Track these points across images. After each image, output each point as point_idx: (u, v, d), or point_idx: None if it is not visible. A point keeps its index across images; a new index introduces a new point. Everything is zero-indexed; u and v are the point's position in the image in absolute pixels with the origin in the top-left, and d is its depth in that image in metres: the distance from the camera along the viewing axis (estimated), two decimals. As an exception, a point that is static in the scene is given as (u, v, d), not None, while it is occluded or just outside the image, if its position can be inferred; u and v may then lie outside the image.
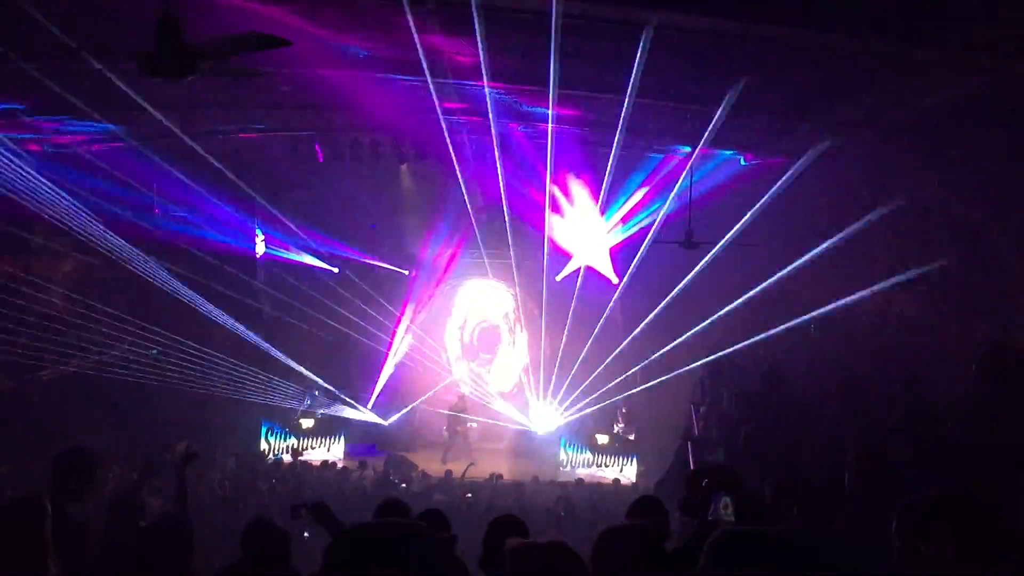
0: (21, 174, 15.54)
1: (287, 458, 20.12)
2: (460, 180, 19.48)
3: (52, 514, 4.50)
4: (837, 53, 8.20)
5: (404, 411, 22.97)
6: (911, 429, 7.50)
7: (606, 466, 20.14)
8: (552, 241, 22.34)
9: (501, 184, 18.42)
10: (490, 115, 13.80)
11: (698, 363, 17.92)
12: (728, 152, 15.46)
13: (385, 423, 22.59)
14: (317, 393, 22.99)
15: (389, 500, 5.71)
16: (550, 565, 2.93)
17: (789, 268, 18.88)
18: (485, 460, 20.22)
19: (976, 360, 8.83)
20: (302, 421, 21.68)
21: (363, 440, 22.04)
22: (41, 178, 16.06)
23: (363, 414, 22.84)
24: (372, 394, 23.35)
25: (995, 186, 12.25)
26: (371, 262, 23.52)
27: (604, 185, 17.64)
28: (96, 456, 5.82)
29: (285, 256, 22.25)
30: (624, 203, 19.85)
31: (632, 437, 21.53)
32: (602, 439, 21.32)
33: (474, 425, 23.23)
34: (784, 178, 14.06)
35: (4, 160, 15.16)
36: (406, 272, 23.85)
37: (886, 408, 8.59)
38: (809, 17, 7.22)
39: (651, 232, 16.20)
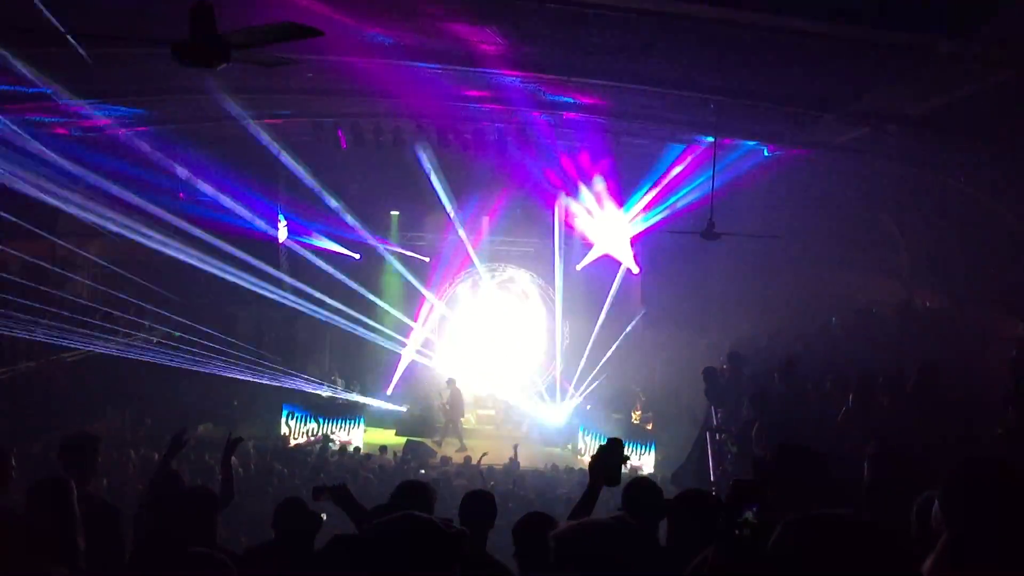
0: (48, 158, 15.68)
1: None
2: (482, 168, 19.61)
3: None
4: (862, 44, 8.17)
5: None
6: (934, 422, 7.50)
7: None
8: (573, 230, 22.38)
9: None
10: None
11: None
12: (751, 143, 15.40)
13: (403, 409, 22.70)
14: (335, 377, 23.15)
15: (408, 484, 5.72)
16: (599, 547, 2.95)
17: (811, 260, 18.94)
18: (502, 446, 20.27)
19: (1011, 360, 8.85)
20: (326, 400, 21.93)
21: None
22: (67, 162, 16.20)
23: (382, 400, 23.02)
24: (391, 380, 23.49)
25: (1019, 180, 12.19)
26: (392, 248, 23.62)
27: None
28: (96, 439, 6.13)
29: (307, 242, 22.37)
30: (646, 193, 19.83)
31: (650, 426, 21.55)
32: (620, 426, 21.37)
33: (491, 413, 23.47)
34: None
35: (31, 144, 15.30)
36: (426, 259, 23.94)
37: (907, 401, 8.57)
38: (835, 9, 7.22)
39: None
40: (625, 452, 4.67)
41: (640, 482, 5.34)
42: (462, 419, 22.37)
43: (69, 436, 5.99)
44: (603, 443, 4.68)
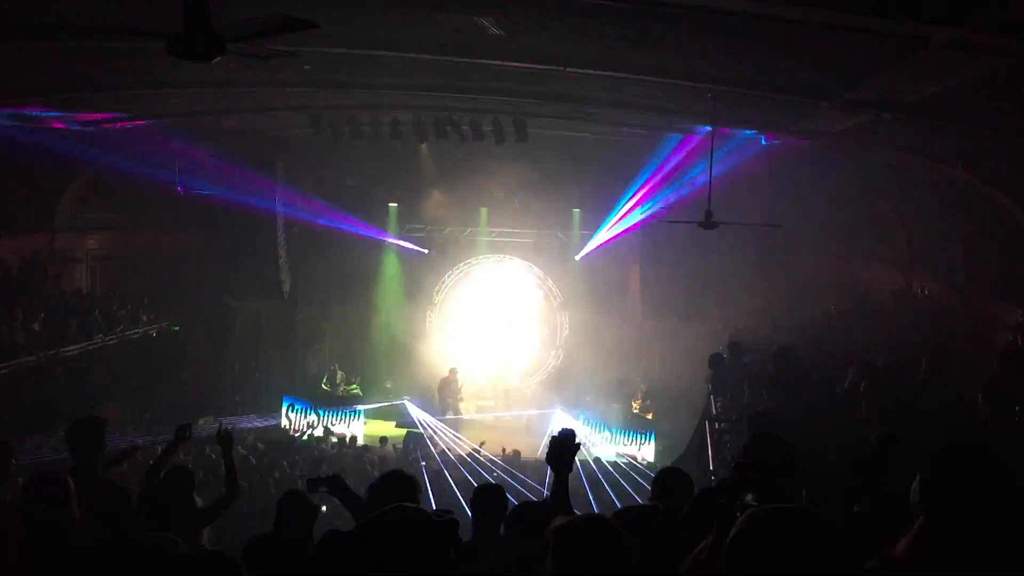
0: (46, 151, 15.68)
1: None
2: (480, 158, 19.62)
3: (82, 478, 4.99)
4: (858, 33, 8.16)
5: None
6: (935, 411, 7.49)
7: (624, 444, 20.19)
8: (572, 220, 22.40)
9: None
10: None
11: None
12: (749, 132, 15.39)
13: (403, 400, 22.71)
14: (335, 369, 23.20)
15: (392, 474, 5.74)
16: (596, 540, 2.96)
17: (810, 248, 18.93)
18: (504, 437, 20.33)
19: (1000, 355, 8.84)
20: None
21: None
22: (65, 155, 16.20)
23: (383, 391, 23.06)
24: (391, 372, 23.50)
25: (1017, 167, 12.20)
26: (391, 240, 23.63)
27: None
28: (102, 421, 6.25)
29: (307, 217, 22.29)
30: (644, 182, 19.81)
31: (651, 416, 21.58)
32: (621, 416, 21.43)
33: (490, 403, 23.45)
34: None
35: (29, 137, 15.30)
36: (425, 251, 23.94)
37: (907, 389, 8.57)
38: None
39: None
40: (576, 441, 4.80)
41: (670, 472, 5.44)
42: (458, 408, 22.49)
43: (75, 420, 6.12)
44: (555, 435, 4.78)
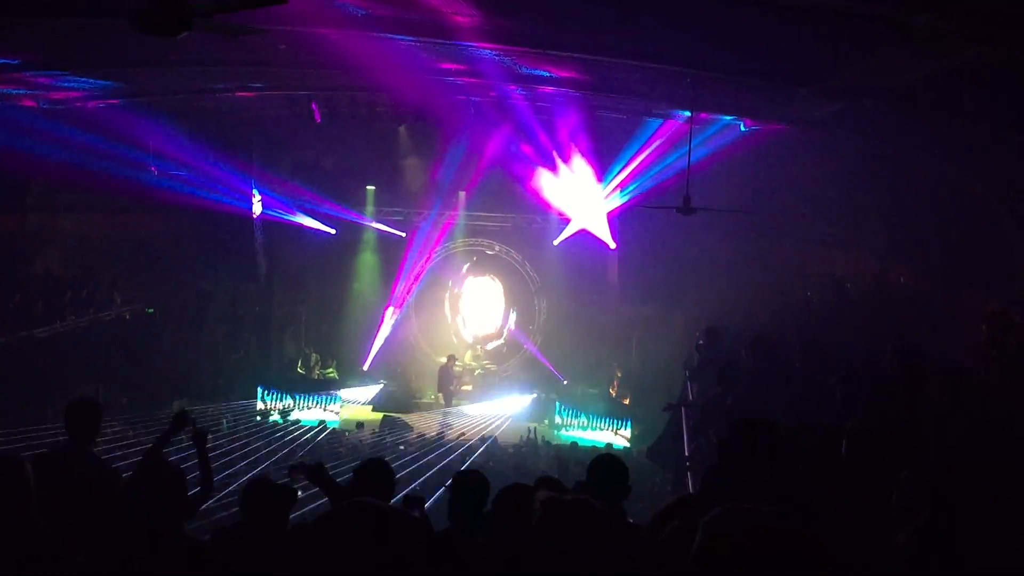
0: (16, 130, 15.44)
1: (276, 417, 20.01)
2: (458, 142, 19.55)
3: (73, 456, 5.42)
4: (837, 18, 8.12)
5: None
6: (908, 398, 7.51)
7: (600, 430, 20.18)
8: (550, 205, 22.32)
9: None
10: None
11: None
12: (728, 117, 15.35)
13: (381, 384, 22.66)
14: (310, 352, 23.09)
15: (369, 463, 5.60)
16: (580, 519, 2.93)
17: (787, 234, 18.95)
18: (481, 422, 20.31)
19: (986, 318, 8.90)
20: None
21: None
22: (37, 135, 15.96)
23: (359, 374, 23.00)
24: (368, 355, 23.45)
25: (996, 156, 12.21)
26: (368, 224, 23.50)
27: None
28: (99, 405, 6.43)
29: (282, 217, 22.19)
30: (623, 168, 19.76)
31: (627, 402, 21.60)
32: (599, 401, 21.44)
33: (467, 388, 23.36)
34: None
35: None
36: (403, 234, 23.80)
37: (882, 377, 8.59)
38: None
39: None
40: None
41: (605, 459, 5.36)
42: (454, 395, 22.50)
43: (73, 400, 6.28)
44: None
